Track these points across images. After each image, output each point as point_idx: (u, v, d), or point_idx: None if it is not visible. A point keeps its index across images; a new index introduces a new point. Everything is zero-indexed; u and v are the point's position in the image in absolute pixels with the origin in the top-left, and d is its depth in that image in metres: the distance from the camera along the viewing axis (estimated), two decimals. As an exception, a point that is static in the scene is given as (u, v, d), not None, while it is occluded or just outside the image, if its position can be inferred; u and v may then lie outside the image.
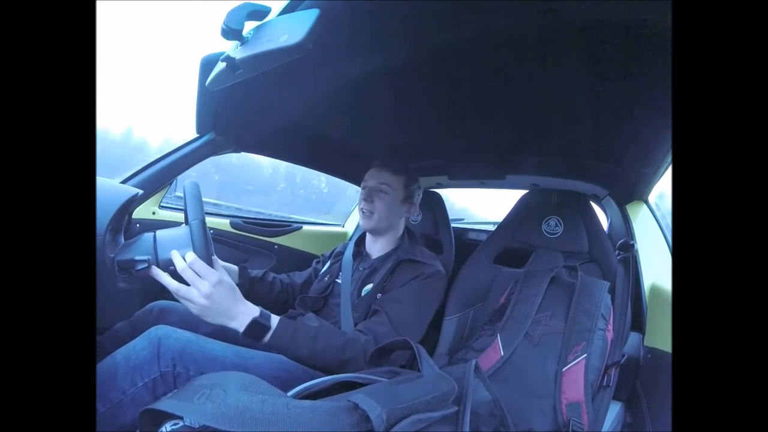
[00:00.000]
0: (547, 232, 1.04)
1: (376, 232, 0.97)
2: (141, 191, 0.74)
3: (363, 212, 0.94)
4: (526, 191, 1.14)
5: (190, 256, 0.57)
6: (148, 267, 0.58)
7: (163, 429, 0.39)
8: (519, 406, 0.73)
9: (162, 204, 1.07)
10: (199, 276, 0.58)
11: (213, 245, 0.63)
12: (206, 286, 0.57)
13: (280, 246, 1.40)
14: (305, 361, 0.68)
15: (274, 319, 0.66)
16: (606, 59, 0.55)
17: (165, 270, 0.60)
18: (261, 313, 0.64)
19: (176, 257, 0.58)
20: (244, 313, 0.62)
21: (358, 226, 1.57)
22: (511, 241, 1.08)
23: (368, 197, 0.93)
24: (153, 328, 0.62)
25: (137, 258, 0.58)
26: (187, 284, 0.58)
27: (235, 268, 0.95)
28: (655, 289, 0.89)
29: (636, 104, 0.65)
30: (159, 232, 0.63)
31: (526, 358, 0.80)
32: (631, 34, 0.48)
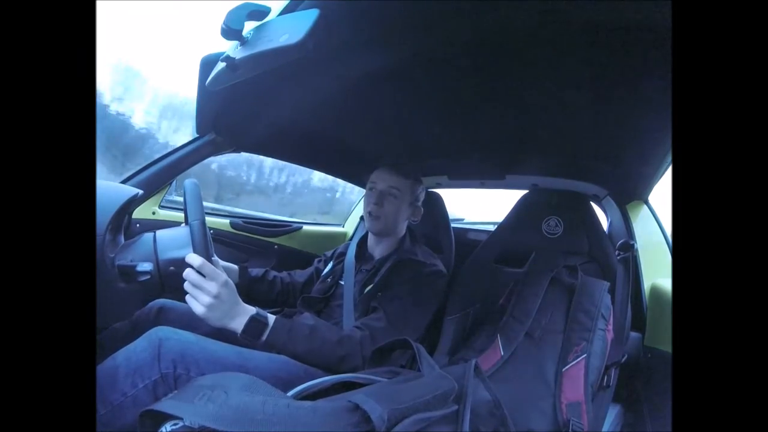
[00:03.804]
0: (547, 232, 1.04)
1: (382, 235, 0.96)
2: (141, 191, 0.74)
3: (371, 215, 0.93)
4: (526, 191, 1.14)
5: (197, 259, 0.58)
6: (150, 278, 0.59)
7: (163, 429, 0.39)
8: (519, 406, 0.73)
9: (162, 204, 1.07)
10: (205, 277, 0.59)
11: (213, 246, 0.63)
12: (214, 287, 0.59)
13: (280, 246, 1.40)
14: (302, 358, 0.68)
15: (271, 318, 0.66)
16: (606, 59, 0.55)
17: (165, 270, 0.60)
18: (258, 312, 0.64)
19: (193, 259, 0.58)
20: (242, 313, 0.63)
21: (358, 226, 1.57)
22: (511, 242, 1.08)
23: (378, 201, 0.92)
24: (153, 330, 0.62)
25: (139, 269, 0.59)
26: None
27: (236, 267, 0.95)
28: (655, 289, 0.89)
29: (636, 104, 0.65)
30: (159, 232, 0.63)
31: (526, 358, 0.80)
32: (631, 34, 0.48)
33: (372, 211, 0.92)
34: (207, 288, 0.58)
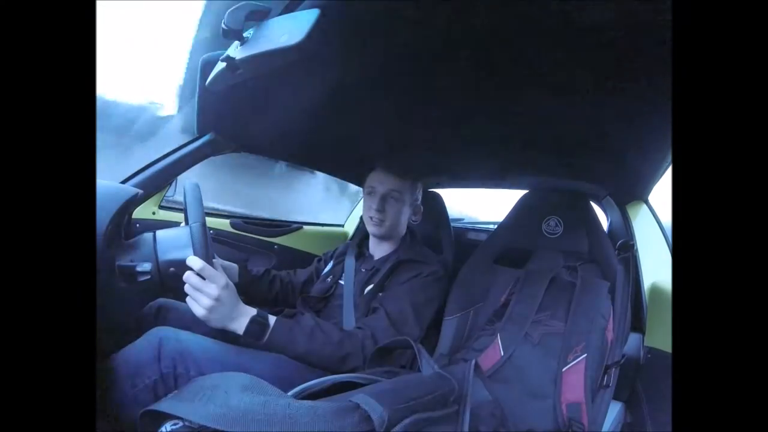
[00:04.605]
0: (547, 232, 1.04)
1: (385, 238, 0.96)
2: (141, 191, 0.74)
3: (372, 219, 0.92)
4: (526, 191, 1.14)
5: (198, 262, 0.58)
6: (150, 278, 0.59)
7: (163, 429, 0.39)
8: (519, 406, 0.73)
9: (162, 204, 1.07)
10: (205, 280, 0.59)
11: (213, 246, 0.63)
12: (215, 289, 0.59)
13: (280, 246, 1.40)
14: (303, 358, 0.68)
15: (272, 319, 0.66)
16: (606, 59, 0.55)
17: (165, 271, 0.60)
18: (258, 313, 0.64)
19: (194, 261, 0.58)
20: (243, 315, 0.63)
21: (358, 226, 1.57)
22: (511, 241, 1.08)
23: (380, 206, 0.91)
24: (153, 330, 0.62)
25: (139, 269, 0.59)
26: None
27: (235, 266, 0.95)
28: (655, 289, 0.89)
29: (636, 104, 0.65)
30: (159, 233, 0.63)
31: (526, 358, 0.80)
32: (631, 33, 0.48)
33: (374, 216, 0.91)
34: (207, 290, 0.58)
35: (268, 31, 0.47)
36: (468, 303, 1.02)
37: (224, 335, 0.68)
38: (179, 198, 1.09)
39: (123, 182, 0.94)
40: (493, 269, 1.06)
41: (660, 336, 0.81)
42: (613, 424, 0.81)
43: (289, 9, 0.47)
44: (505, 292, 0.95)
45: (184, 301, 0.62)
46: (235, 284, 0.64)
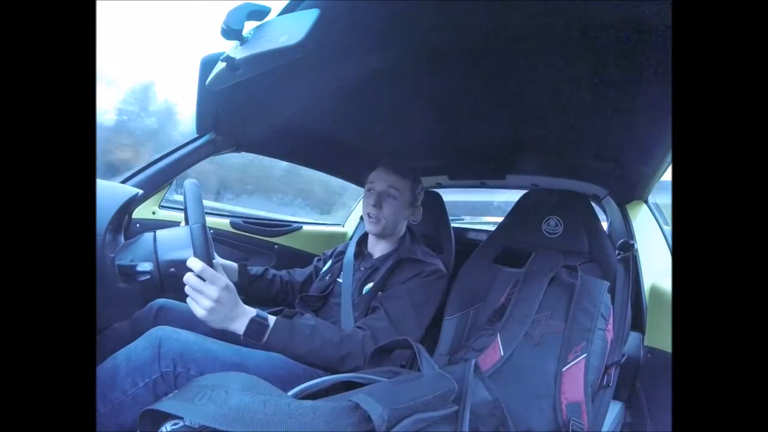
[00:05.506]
0: (547, 232, 1.04)
1: (381, 236, 0.96)
2: (141, 191, 0.74)
3: (370, 217, 0.92)
4: (526, 191, 1.14)
5: (198, 263, 0.58)
6: (150, 278, 0.59)
7: (164, 429, 0.39)
8: (519, 406, 0.73)
9: (162, 204, 1.07)
10: (205, 281, 0.59)
11: (213, 247, 0.63)
12: (215, 291, 0.59)
13: (280, 246, 1.40)
14: (304, 359, 0.68)
15: (271, 319, 0.66)
16: (606, 59, 0.55)
17: (165, 271, 0.60)
18: (258, 314, 0.64)
19: (194, 263, 0.58)
20: (243, 315, 0.63)
21: (358, 226, 1.57)
22: (511, 241, 1.08)
23: (377, 202, 0.91)
24: (154, 329, 0.62)
25: (139, 269, 0.59)
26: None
27: (235, 266, 0.95)
28: (655, 289, 0.89)
29: (636, 104, 0.65)
30: (159, 233, 0.63)
31: (526, 358, 0.80)
32: (631, 34, 0.48)
33: (371, 212, 0.92)
34: (207, 292, 0.58)
35: (268, 31, 0.47)
36: (468, 303, 1.02)
37: (224, 335, 0.68)
38: (179, 197, 1.09)
39: (123, 182, 0.94)
40: (493, 269, 1.06)
41: (660, 336, 0.81)
42: (613, 424, 0.81)
43: (289, 9, 0.47)
44: (505, 292, 0.95)
45: (185, 302, 0.62)
46: (235, 284, 0.64)
